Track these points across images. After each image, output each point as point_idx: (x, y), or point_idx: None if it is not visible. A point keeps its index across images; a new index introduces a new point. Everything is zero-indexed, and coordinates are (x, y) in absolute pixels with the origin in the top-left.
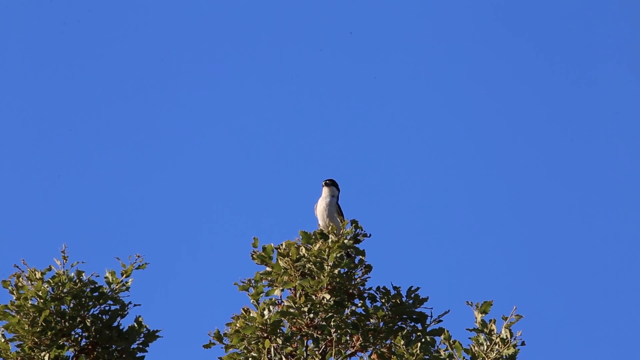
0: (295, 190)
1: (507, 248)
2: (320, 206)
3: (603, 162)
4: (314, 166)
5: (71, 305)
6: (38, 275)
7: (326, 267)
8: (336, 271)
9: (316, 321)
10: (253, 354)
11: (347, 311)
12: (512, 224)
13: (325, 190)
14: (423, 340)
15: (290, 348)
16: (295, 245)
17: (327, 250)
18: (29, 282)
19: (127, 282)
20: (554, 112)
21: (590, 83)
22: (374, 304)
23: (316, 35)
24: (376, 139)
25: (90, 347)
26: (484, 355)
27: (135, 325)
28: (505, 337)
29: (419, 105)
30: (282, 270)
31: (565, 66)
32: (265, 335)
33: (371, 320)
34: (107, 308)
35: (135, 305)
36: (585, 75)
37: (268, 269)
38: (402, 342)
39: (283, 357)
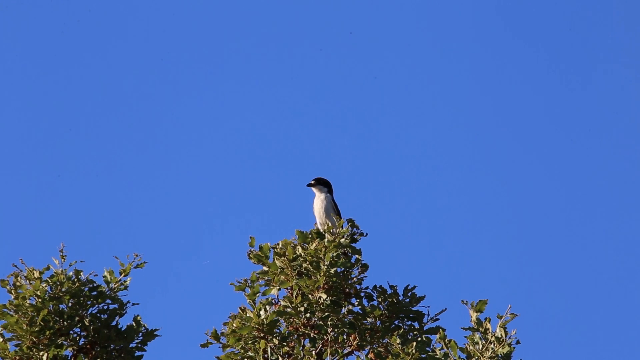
0: (292, 190)
1: (502, 247)
2: (317, 205)
3: (603, 162)
4: (312, 166)
5: (69, 304)
6: (36, 274)
7: (322, 266)
8: (332, 270)
9: (313, 320)
10: (250, 353)
11: (344, 310)
12: (508, 223)
13: (313, 191)
14: (419, 339)
15: (286, 348)
16: (292, 245)
17: (323, 249)
18: (27, 281)
19: (125, 281)
20: (554, 112)
21: (590, 83)
22: (371, 303)
23: (316, 35)
24: (376, 138)
25: (88, 346)
26: (479, 354)
27: (134, 325)
28: (500, 336)
29: (418, 105)
30: (279, 270)
31: (565, 66)
32: (261, 335)
33: (368, 319)
34: (105, 307)
35: (133, 304)
36: (585, 76)
37: (265, 268)
38: (398, 341)
39: (280, 356)
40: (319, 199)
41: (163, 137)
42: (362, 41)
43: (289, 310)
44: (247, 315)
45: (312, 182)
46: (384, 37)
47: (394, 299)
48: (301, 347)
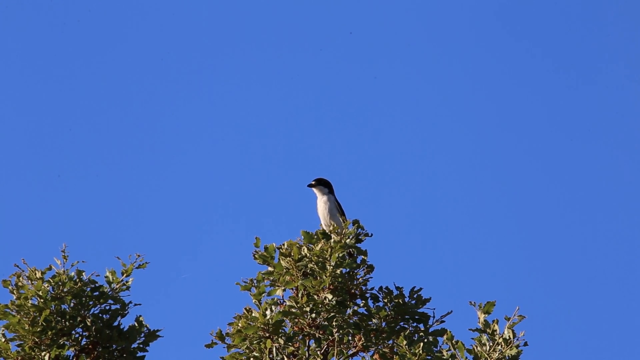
0: (296, 190)
1: (509, 248)
2: (320, 206)
3: (603, 162)
4: (315, 166)
5: (71, 304)
6: (38, 274)
7: (328, 267)
8: (338, 271)
9: (318, 321)
10: (255, 353)
11: (349, 311)
12: (515, 225)
13: (315, 192)
14: (425, 340)
15: (292, 348)
16: (297, 245)
17: (329, 250)
18: (30, 281)
19: (127, 282)
20: (554, 112)
21: (590, 83)
22: (377, 304)
23: (316, 35)
24: (377, 139)
25: (90, 346)
26: (486, 355)
27: (136, 325)
28: (508, 338)
29: (419, 106)
30: (284, 270)
31: (565, 66)
32: (267, 335)
33: (373, 320)
34: (107, 307)
35: (135, 304)
36: (585, 76)
37: (270, 268)
38: (405, 342)
39: (285, 357)
40: (321, 201)
41: (164, 137)
42: (362, 41)
43: (294, 310)
44: (253, 315)
45: (313, 182)
46: (384, 37)
47: (400, 300)
48: (306, 348)
